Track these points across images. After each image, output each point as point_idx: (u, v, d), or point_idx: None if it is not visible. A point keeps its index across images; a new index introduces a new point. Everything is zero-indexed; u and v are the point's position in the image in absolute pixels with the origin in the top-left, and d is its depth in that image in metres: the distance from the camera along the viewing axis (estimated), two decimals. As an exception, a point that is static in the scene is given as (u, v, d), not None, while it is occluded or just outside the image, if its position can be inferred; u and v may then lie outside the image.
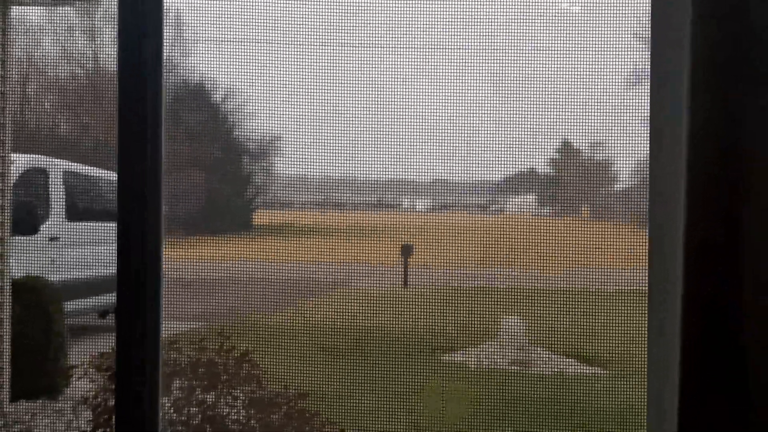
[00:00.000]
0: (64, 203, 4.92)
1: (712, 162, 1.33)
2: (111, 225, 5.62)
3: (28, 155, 4.82)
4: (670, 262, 1.51)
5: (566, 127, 3.23)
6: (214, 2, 3.03)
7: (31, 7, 4.57)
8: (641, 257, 3.31)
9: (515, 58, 3.11)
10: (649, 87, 1.59)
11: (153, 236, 1.56)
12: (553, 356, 3.75)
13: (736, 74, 1.32)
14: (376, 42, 3.09)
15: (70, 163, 5.11)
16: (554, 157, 3.56)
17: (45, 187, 4.86)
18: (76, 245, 4.98)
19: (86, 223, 5.20)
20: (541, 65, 3.11)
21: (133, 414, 1.47)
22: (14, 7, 4.24)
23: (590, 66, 2.97)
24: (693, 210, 1.34)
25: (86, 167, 5.30)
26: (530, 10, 2.99)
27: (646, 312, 1.61)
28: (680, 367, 1.34)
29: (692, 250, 1.35)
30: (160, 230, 1.58)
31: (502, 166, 3.32)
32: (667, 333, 1.50)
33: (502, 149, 3.19)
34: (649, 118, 1.59)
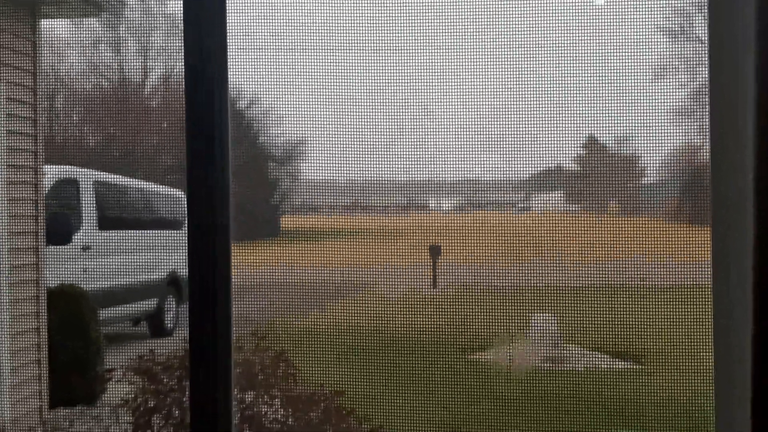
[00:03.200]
0: (95, 212, 4.99)
1: None
2: (142, 233, 5.68)
3: (59, 166, 4.90)
4: (737, 261, 1.48)
5: (592, 122, 3.23)
6: (240, 10, 3.07)
7: (58, 20, 4.65)
8: (672, 251, 3.30)
9: (538, 53, 3.11)
10: (708, 83, 1.56)
11: (222, 241, 1.59)
12: (585, 352, 3.74)
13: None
14: (401, 45, 3.11)
15: (99, 173, 5.19)
16: (580, 152, 3.55)
17: (76, 197, 4.93)
18: (108, 254, 5.04)
19: (118, 232, 5.27)
20: (565, 61, 3.11)
21: (207, 414, 1.50)
22: (43, 20, 4.31)
23: (615, 60, 2.96)
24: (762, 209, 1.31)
25: (115, 176, 5.37)
26: (556, 6, 3.00)
27: (711, 309, 1.58)
28: (752, 364, 1.31)
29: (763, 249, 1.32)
30: (228, 235, 1.61)
31: (529, 163, 3.32)
32: (737, 332, 1.48)
33: (528, 147, 3.19)
34: (708, 112, 1.56)
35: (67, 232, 4.73)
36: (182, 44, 1.70)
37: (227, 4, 1.74)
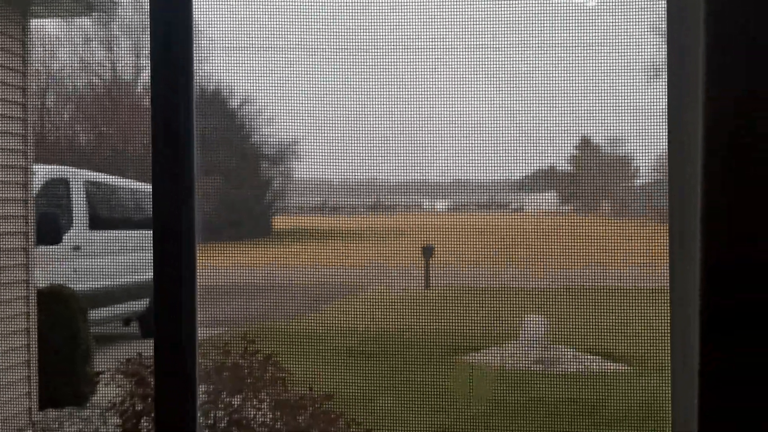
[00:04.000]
0: (86, 212, 4.97)
1: (725, 155, 1.33)
2: (133, 233, 5.66)
3: (50, 166, 4.87)
4: (689, 258, 1.50)
5: (585, 123, 3.22)
6: (231, 10, 3.05)
7: (49, 20, 4.62)
8: (662, 253, 3.29)
9: (531, 56, 3.10)
10: (666, 81, 1.59)
11: (188, 243, 1.57)
12: (576, 354, 3.73)
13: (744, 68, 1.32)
14: (393, 46, 3.09)
15: (90, 173, 5.16)
16: (574, 153, 3.54)
17: (67, 197, 4.91)
18: (98, 254, 5.02)
19: (108, 232, 5.25)
20: (558, 62, 3.10)
21: (171, 417, 1.49)
22: (34, 19, 4.29)
23: (607, 61, 2.95)
24: (709, 203, 1.34)
25: (106, 176, 5.35)
26: (548, 6, 2.98)
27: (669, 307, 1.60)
28: (699, 359, 1.34)
29: (710, 244, 1.35)
30: (194, 237, 1.59)
31: (522, 164, 3.31)
32: (690, 331, 1.49)
33: (521, 147, 3.18)
34: (666, 111, 1.59)
35: (57, 232, 4.71)
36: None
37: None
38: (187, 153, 1.59)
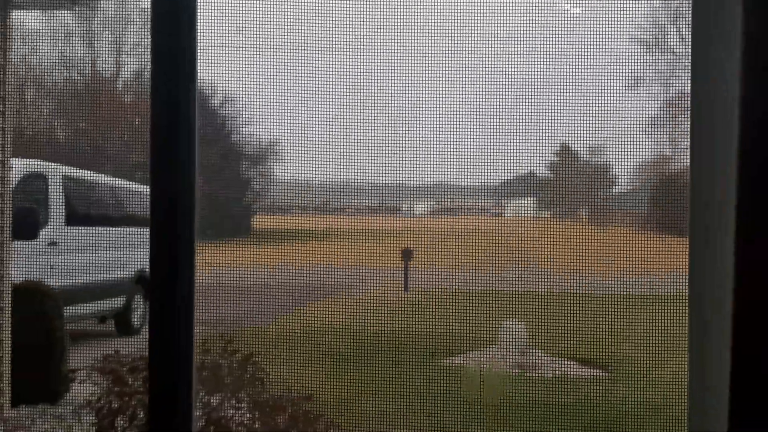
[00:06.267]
0: (63, 208, 4.91)
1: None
2: (110, 230, 5.59)
3: (27, 160, 4.81)
4: (714, 267, 1.49)
5: (565, 130, 3.25)
6: (214, 9, 3.04)
7: (29, 12, 4.57)
8: (641, 260, 3.33)
9: (514, 62, 3.13)
10: (690, 82, 1.56)
11: (186, 242, 1.55)
12: (553, 359, 3.76)
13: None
14: (376, 49, 3.10)
15: (68, 168, 5.11)
16: (553, 160, 3.57)
17: (44, 192, 4.85)
18: (75, 251, 4.97)
19: (86, 228, 5.20)
20: (539, 69, 3.13)
21: (167, 416, 1.47)
22: (14, 11, 4.24)
23: (589, 69, 2.98)
24: (744, 214, 1.33)
25: (85, 172, 5.29)
26: (530, 14, 3.01)
27: (687, 315, 1.59)
28: (731, 370, 1.32)
29: (746, 256, 1.33)
30: (193, 236, 1.57)
31: (502, 169, 3.33)
32: (713, 337, 1.49)
33: (502, 153, 3.20)
34: (689, 118, 1.57)
35: (33, 227, 4.65)
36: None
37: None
38: (190, 148, 1.57)
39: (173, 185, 1.53)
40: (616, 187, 3.67)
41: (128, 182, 5.46)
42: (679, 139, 3.33)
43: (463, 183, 3.66)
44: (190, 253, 1.54)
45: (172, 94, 1.56)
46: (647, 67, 3.41)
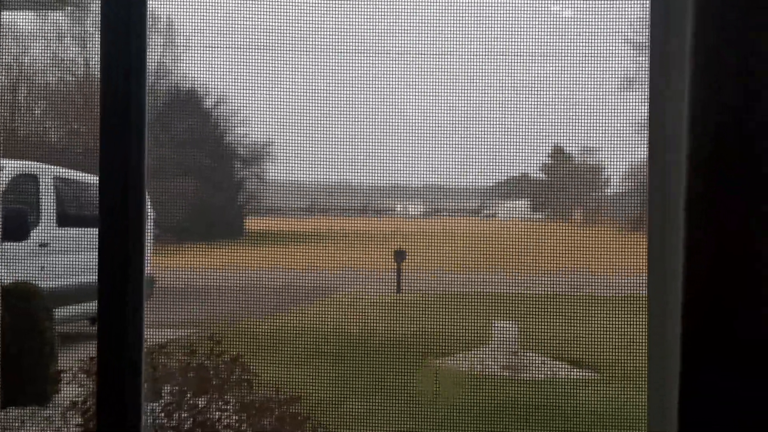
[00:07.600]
0: (54, 209, 4.89)
1: (714, 159, 1.33)
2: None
3: (18, 161, 4.80)
4: (670, 265, 1.51)
5: (558, 131, 3.24)
6: (207, 9, 3.03)
7: (21, 12, 4.55)
8: (633, 262, 3.32)
9: (506, 62, 3.12)
10: (648, 85, 1.59)
11: (135, 242, 1.54)
12: (545, 361, 3.75)
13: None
14: (368, 48, 3.09)
15: (60, 169, 5.09)
16: (546, 161, 3.56)
17: (35, 193, 4.83)
18: (66, 252, 4.95)
19: (77, 229, 5.18)
20: (532, 69, 3.12)
21: (115, 418, 1.46)
22: (5, 12, 4.22)
23: (582, 70, 2.98)
24: (693, 211, 1.34)
25: (77, 173, 5.28)
26: (522, 14, 3.00)
27: (646, 316, 1.60)
28: (681, 367, 1.33)
29: (693, 251, 1.34)
30: (142, 236, 1.56)
31: (495, 170, 3.32)
32: (668, 337, 1.50)
33: (495, 154, 3.20)
34: (648, 115, 1.59)
35: (24, 228, 4.63)
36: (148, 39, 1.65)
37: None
38: (139, 139, 1.56)
39: (122, 177, 1.51)
40: (609, 188, 3.67)
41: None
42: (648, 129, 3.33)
43: (456, 184, 3.65)
44: (140, 252, 1.53)
45: (120, 81, 1.55)
46: (639, 68, 3.40)
